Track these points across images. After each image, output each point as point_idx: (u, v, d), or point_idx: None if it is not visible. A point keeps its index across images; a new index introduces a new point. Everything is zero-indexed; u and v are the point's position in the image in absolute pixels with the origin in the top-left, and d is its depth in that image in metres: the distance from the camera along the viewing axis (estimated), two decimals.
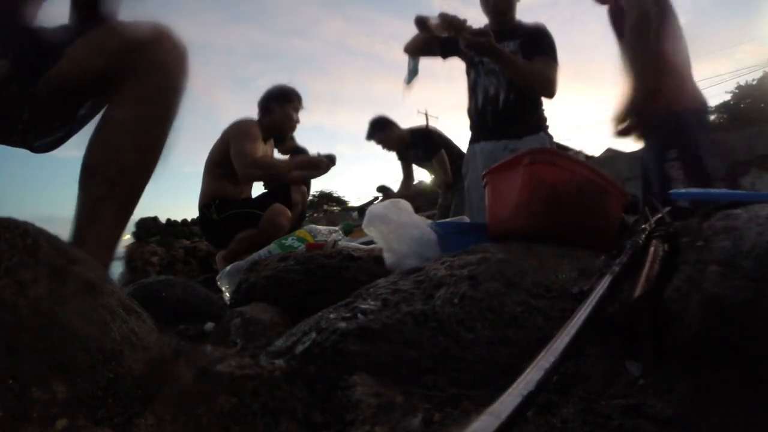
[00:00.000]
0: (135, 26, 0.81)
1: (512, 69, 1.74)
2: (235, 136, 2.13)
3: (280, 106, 2.29)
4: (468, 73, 1.96)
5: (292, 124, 2.35)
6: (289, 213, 2.14)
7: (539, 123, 1.89)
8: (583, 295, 0.60)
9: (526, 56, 1.78)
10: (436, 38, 1.89)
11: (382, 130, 2.92)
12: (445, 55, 2.00)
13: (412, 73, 2.07)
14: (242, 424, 0.37)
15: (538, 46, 1.80)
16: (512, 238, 0.82)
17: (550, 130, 1.92)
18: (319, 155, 2.47)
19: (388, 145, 2.95)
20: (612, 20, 1.61)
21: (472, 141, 1.98)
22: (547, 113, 1.92)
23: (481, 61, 1.89)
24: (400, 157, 3.08)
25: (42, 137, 0.85)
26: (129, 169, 0.80)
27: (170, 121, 0.83)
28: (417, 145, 2.91)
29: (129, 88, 0.79)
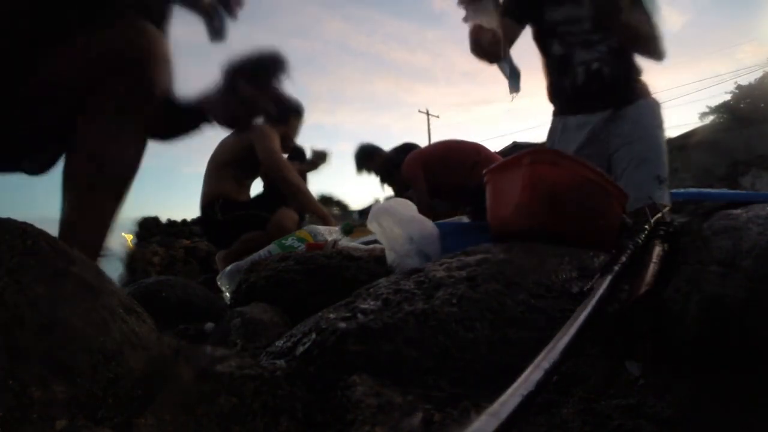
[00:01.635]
0: (128, 33, 0.79)
1: (625, 31, 1.46)
2: (261, 139, 2.14)
3: (296, 118, 2.35)
4: (546, 42, 1.67)
5: (295, 138, 2.41)
6: (297, 217, 2.15)
7: (644, 89, 1.63)
8: (583, 295, 0.60)
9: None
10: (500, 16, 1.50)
11: (371, 160, 2.89)
12: (522, 24, 1.67)
13: (514, 75, 1.68)
14: (242, 424, 0.37)
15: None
16: (513, 238, 0.82)
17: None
18: (312, 151, 2.49)
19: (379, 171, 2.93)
20: None
21: (566, 113, 1.71)
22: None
23: (569, 32, 1.59)
24: (388, 181, 3.02)
25: (35, 155, 0.85)
26: (114, 173, 0.81)
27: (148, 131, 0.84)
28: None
29: (113, 96, 0.78)
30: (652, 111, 1.62)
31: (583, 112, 1.67)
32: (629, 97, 1.60)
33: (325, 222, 1.99)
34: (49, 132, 0.84)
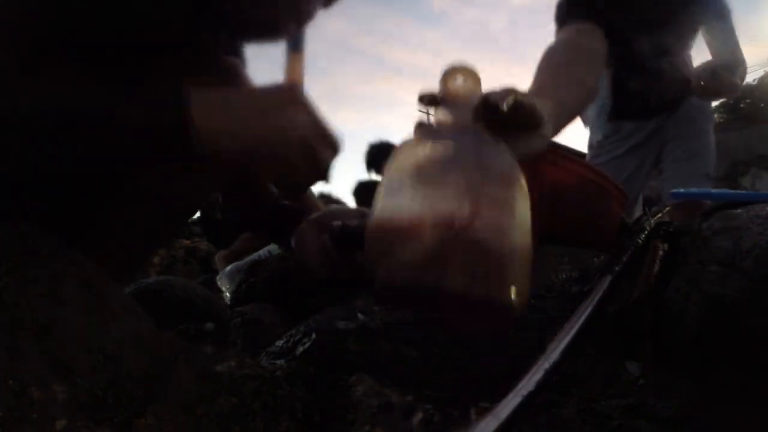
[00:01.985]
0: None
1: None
2: None
3: None
4: (624, 75, 1.60)
5: None
6: None
7: None
8: (583, 295, 0.60)
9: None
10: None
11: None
12: None
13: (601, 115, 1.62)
14: (242, 424, 0.37)
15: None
16: None
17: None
18: None
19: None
20: None
21: (621, 117, 1.68)
22: None
23: (654, 68, 1.54)
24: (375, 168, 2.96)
25: None
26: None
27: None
28: None
29: None
30: (703, 107, 1.65)
31: (636, 119, 1.66)
32: (684, 97, 1.60)
33: None
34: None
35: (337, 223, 0.64)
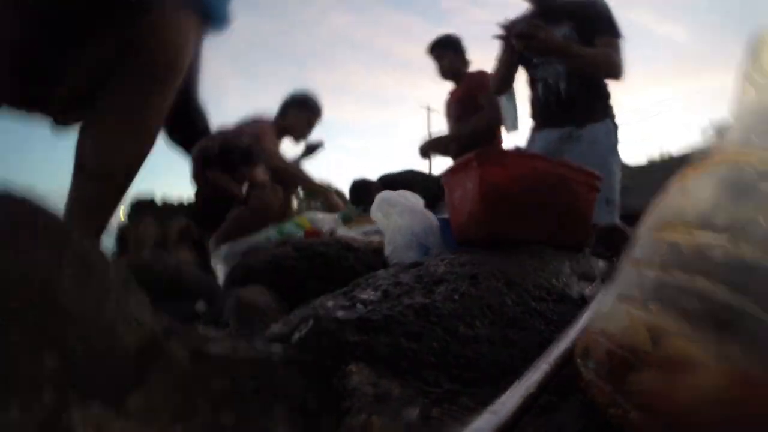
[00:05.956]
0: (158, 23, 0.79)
1: (576, 62, 1.64)
2: (255, 134, 2.16)
3: (296, 114, 2.33)
4: (526, 62, 1.85)
5: (302, 133, 2.38)
6: (278, 189, 2.14)
7: (605, 109, 1.78)
8: (584, 301, 0.60)
9: (585, 39, 1.63)
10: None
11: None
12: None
13: (512, 113, 1.91)
14: (236, 407, 0.36)
15: (597, 24, 1.64)
16: (475, 245, 0.77)
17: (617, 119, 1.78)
18: (308, 143, 2.49)
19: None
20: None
21: (535, 129, 1.88)
22: (613, 99, 1.79)
23: (546, 81, 1.79)
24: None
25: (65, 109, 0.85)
26: (121, 167, 0.82)
27: (165, 108, 0.84)
28: None
29: (129, 79, 0.79)
30: (607, 135, 1.75)
31: (545, 128, 1.82)
32: (587, 117, 1.73)
33: (327, 198, 2.10)
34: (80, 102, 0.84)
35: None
